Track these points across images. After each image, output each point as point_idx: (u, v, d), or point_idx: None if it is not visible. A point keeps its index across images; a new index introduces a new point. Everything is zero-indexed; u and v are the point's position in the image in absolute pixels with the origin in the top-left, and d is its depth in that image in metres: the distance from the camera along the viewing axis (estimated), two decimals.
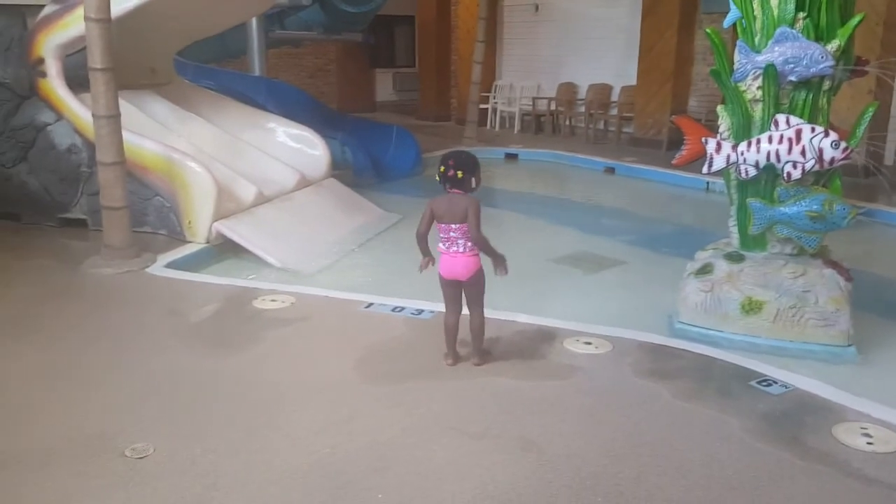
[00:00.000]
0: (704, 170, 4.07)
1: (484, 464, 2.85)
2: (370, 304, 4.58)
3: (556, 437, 3.05)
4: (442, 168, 3.52)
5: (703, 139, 4.04)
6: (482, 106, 12.55)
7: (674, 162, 4.29)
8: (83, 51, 5.33)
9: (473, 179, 3.54)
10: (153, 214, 6.15)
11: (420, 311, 4.45)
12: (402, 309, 4.50)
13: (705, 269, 4.22)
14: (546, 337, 4.08)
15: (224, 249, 5.89)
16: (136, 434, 3.05)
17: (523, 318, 4.33)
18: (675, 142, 4.29)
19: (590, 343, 3.99)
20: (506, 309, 4.45)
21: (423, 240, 3.63)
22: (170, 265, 5.41)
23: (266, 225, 6.14)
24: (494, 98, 13.54)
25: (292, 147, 7.53)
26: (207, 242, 5.89)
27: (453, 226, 3.51)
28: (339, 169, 8.03)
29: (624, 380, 3.61)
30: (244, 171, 6.52)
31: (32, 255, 5.64)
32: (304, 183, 6.98)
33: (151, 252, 5.58)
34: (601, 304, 4.94)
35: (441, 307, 4.41)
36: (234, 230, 5.88)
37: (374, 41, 14.57)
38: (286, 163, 7.02)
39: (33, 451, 2.96)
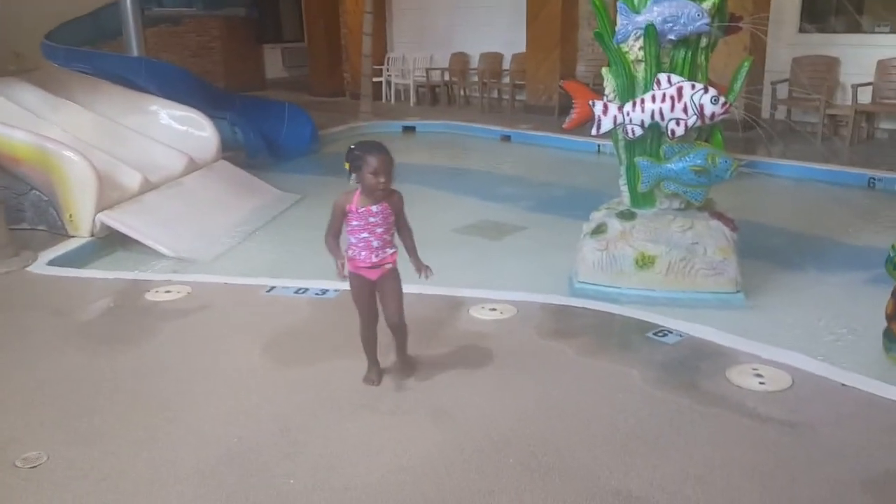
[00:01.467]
0: (593, 132, 4.17)
1: (397, 438, 2.85)
2: (272, 288, 4.47)
3: (468, 405, 3.08)
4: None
5: (591, 102, 4.12)
6: (376, 79, 12.39)
7: (564, 126, 4.36)
8: None
9: (353, 172, 3.02)
10: (30, 210, 5.77)
11: (324, 291, 4.37)
12: (306, 290, 4.41)
13: (600, 229, 4.34)
14: (453, 306, 4.10)
15: (111, 242, 5.60)
16: (26, 443, 2.86)
17: (429, 290, 4.30)
18: (566, 107, 4.36)
19: (495, 309, 4.04)
20: (411, 281, 4.43)
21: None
22: (52, 262, 5.09)
23: (155, 213, 5.86)
24: (388, 71, 13.39)
25: (178, 130, 7.20)
26: (92, 236, 5.58)
27: None
28: (231, 150, 7.73)
29: (529, 342, 3.68)
30: (127, 158, 6.18)
31: None
32: (194, 167, 6.69)
33: (31, 250, 5.23)
34: (504, 270, 5.01)
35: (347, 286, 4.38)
36: (120, 220, 5.58)
37: (258, 16, 14.07)
38: (172, 147, 6.71)
39: None
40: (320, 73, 14.66)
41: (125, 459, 2.77)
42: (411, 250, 3.21)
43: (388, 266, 3.14)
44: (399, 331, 3.26)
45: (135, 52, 9.53)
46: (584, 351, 3.55)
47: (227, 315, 4.17)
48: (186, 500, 2.53)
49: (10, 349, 3.78)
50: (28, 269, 4.95)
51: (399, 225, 3.17)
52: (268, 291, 4.43)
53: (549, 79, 11.20)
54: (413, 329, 3.81)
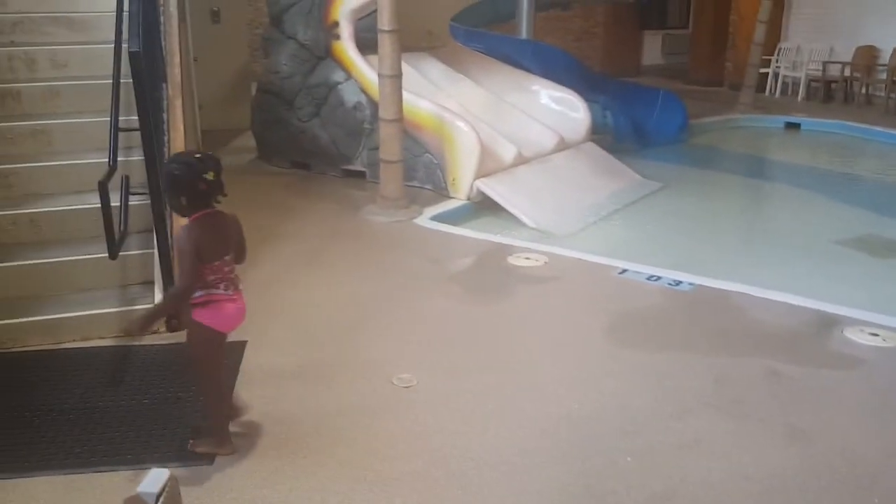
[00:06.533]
0: None
1: (743, 445, 2.67)
2: (624, 271, 4.47)
3: (830, 430, 2.75)
4: (211, 173, 2.43)
5: None
6: (762, 70, 11.50)
7: None
8: (371, 15, 5.76)
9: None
10: (422, 170, 6.53)
11: (678, 283, 4.25)
12: (659, 278, 4.33)
13: None
14: (824, 323, 3.68)
15: (482, 206, 6.09)
16: (401, 365, 3.31)
17: (797, 301, 3.94)
18: None
19: (877, 335, 3.52)
20: (777, 288, 4.10)
21: (189, 295, 2.50)
22: (434, 218, 5.73)
23: (523, 185, 6.24)
24: (777, 62, 12.33)
25: (554, 109, 7.54)
26: (468, 199, 6.14)
27: (227, 258, 2.53)
28: (599, 133, 7.88)
29: None
30: (505, 132, 6.66)
31: (321, 200, 6.30)
32: (563, 145, 6.96)
33: (418, 205, 5.95)
34: (893, 294, 4.33)
35: (704, 281, 4.21)
36: (494, 189, 6.06)
37: (646, 1, 13.96)
38: (546, 125, 7.05)
39: (320, 366, 3.33)
40: (701, 60, 14.08)
41: (478, 397, 3.04)
42: None
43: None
44: None
45: (524, 35, 10.18)
46: None
47: (579, 289, 4.29)
48: (526, 448, 2.69)
49: (395, 283, 4.38)
50: (414, 220, 5.64)
51: None
52: (619, 273, 4.45)
53: None
54: (773, 338, 3.54)
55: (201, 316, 2.52)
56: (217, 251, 2.47)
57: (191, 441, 2.70)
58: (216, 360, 2.61)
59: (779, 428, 2.78)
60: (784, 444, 2.68)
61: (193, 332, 2.57)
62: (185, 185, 2.43)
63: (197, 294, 2.48)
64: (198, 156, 2.49)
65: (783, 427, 2.78)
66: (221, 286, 2.51)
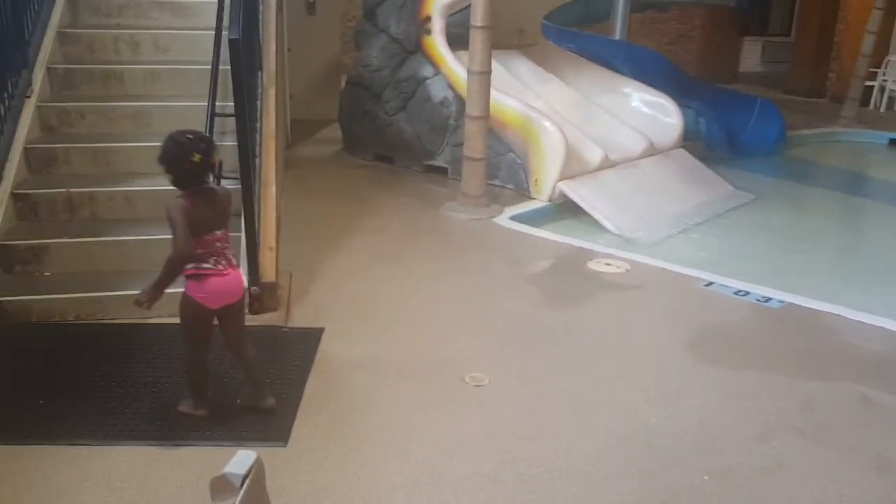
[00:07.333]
0: None
1: (829, 473, 2.53)
2: (710, 283, 4.32)
3: None
4: (197, 155, 2.53)
5: None
6: (868, 83, 10.91)
7: None
8: (462, 11, 5.74)
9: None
10: (504, 169, 6.48)
11: (767, 299, 4.08)
12: (747, 293, 4.16)
13: None
14: None
15: (563, 209, 6.00)
16: (474, 364, 3.29)
17: (895, 326, 3.72)
18: None
19: None
20: (873, 311, 3.88)
21: (187, 258, 2.58)
22: (514, 218, 5.67)
23: (607, 189, 6.11)
24: (885, 74, 11.67)
25: (645, 113, 7.35)
26: (549, 201, 6.06)
27: (218, 233, 2.64)
28: (691, 140, 7.63)
29: None
30: (593, 134, 6.53)
31: (402, 194, 6.34)
32: (652, 151, 6.78)
33: (499, 204, 5.91)
34: None
35: (795, 299, 4.03)
36: (577, 192, 5.95)
37: (748, 6, 13.43)
38: (636, 129, 6.88)
39: (394, 359, 3.35)
40: (802, 70, 13.46)
41: (551, 402, 2.99)
42: None
43: None
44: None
45: (617, 36, 9.98)
46: None
47: (662, 299, 4.17)
48: (600, 458, 2.63)
49: (471, 283, 4.35)
50: (494, 219, 5.61)
51: None
52: (705, 286, 4.30)
53: None
54: (869, 366, 3.35)
55: (189, 288, 2.64)
56: (205, 226, 2.57)
57: (182, 402, 2.85)
58: (201, 333, 2.72)
59: (868, 457, 2.63)
60: (872, 475, 2.53)
61: (182, 303, 2.68)
62: (173, 161, 2.55)
63: (187, 266, 2.60)
64: (190, 136, 2.58)
65: (872, 457, 2.63)
66: (211, 260, 2.61)
